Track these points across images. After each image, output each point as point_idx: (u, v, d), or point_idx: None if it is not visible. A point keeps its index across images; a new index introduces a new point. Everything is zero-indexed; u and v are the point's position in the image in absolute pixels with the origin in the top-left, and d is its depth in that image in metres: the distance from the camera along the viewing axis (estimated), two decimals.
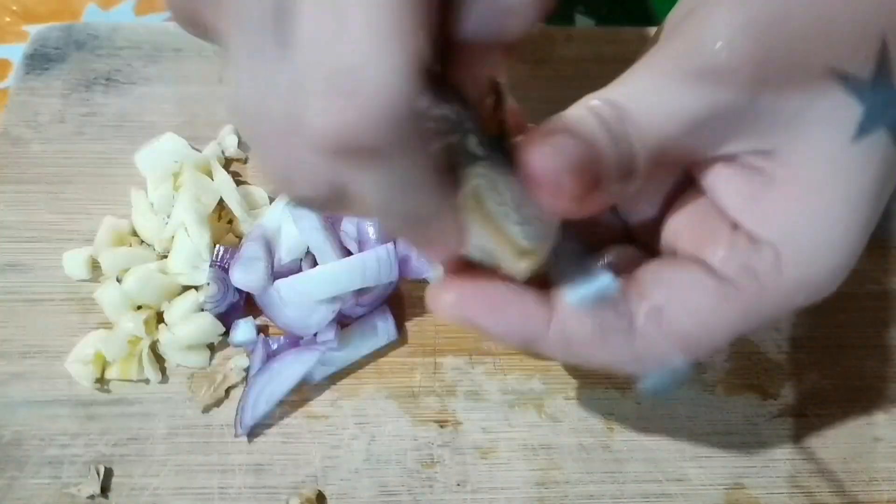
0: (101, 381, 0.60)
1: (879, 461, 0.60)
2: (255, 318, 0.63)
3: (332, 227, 0.63)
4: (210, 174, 0.67)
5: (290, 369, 0.59)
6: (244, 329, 0.62)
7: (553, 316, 0.43)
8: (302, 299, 0.60)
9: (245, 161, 0.71)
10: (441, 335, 0.64)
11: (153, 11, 0.85)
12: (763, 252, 0.42)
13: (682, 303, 0.43)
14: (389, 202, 0.36)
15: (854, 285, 0.61)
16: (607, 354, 0.43)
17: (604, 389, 0.62)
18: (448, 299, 0.43)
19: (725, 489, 0.59)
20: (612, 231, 0.50)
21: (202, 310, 0.62)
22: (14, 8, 0.84)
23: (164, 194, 0.65)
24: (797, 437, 0.61)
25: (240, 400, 0.59)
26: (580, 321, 0.43)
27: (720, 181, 0.44)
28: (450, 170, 0.37)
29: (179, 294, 0.63)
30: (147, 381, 0.61)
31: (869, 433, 0.61)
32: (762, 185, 0.42)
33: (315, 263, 0.63)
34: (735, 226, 0.43)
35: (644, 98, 0.40)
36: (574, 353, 0.44)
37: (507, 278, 0.42)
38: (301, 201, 0.37)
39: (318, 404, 0.61)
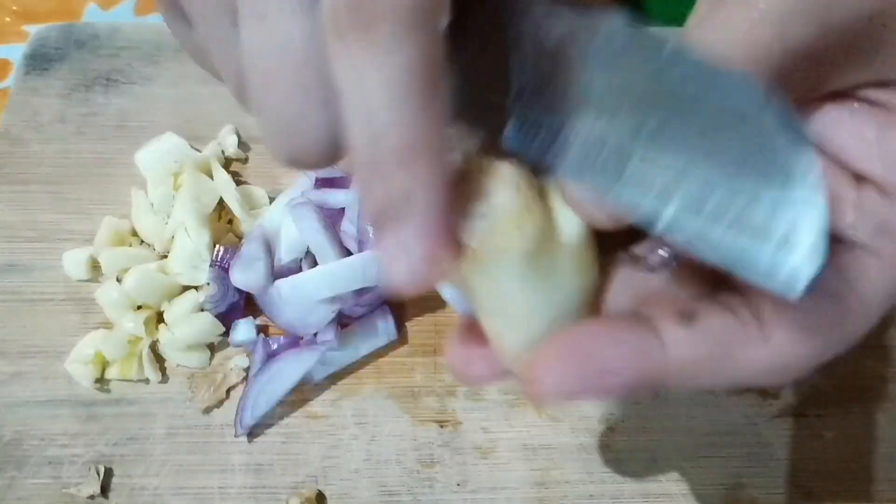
0: (101, 381, 0.61)
1: (879, 461, 0.60)
2: (255, 317, 0.63)
3: (333, 226, 0.63)
4: (210, 174, 0.67)
5: (290, 369, 0.59)
6: (244, 329, 0.62)
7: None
8: (302, 299, 0.60)
9: (245, 161, 0.71)
10: (441, 335, 0.64)
11: (153, 11, 0.85)
12: None
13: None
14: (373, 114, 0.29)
15: None
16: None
17: None
18: (552, 377, 0.33)
19: (725, 489, 0.59)
20: None
21: (202, 310, 0.62)
22: (14, 8, 0.84)
23: (164, 194, 0.65)
24: (797, 437, 0.61)
25: (240, 400, 0.59)
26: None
27: (834, 126, 0.36)
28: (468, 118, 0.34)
29: (179, 294, 0.63)
30: (147, 381, 0.61)
31: (869, 433, 0.61)
32: (889, 122, 0.35)
33: (315, 263, 0.63)
34: (860, 179, 0.36)
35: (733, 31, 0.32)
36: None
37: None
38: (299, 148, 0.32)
39: (318, 404, 0.61)
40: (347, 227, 0.64)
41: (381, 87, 0.28)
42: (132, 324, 0.60)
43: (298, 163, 0.33)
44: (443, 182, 0.30)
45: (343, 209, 0.64)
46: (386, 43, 0.28)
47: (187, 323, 0.61)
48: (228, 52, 0.34)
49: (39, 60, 0.75)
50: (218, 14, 0.34)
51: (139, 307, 0.62)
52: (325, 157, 0.32)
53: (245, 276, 0.61)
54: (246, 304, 0.64)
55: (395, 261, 0.30)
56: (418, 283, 0.31)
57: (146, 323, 0.61)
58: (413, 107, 0.29)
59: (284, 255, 0.63)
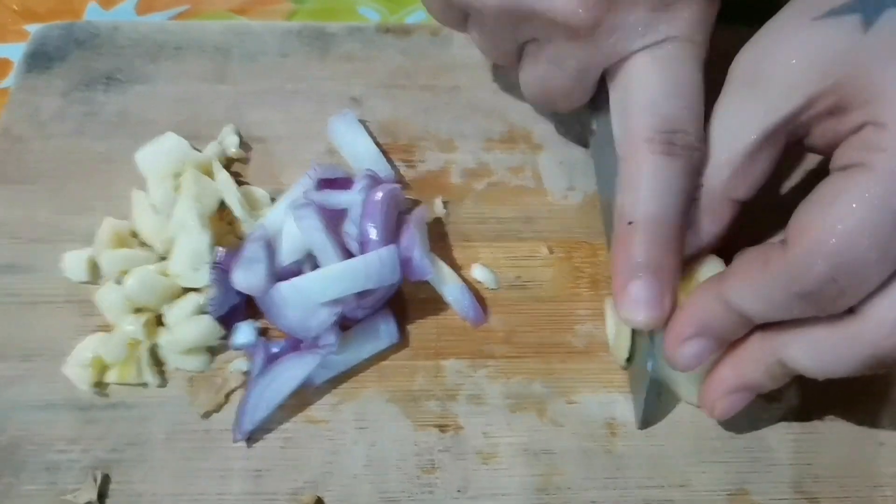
0: (100, 384, 0.60)
1: (884, 466, 0.60)
2: (255, 320, 0.63)
3: (334, 228, 0.63)
4: (211, 174, 0.67)
5: (291, 373, 0.59)
6: (245, 332, 0.62)
7: None
8: (303, 301, 0.59)
9: (246, 161, 0.71)
10: (443, 338, 0.64)
11: (154, 10, 0.85)
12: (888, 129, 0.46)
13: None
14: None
15: None
16: None
17: (606, 393, 0.62)
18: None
19: (728, 494, 0.58)
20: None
21: (203, 312, 0.61)
22: (14, 7, 0.83)
23: (164, 195, 0.65)
24: (801, 441, 0.60)
25: (239, 404, 0.59)
26: None
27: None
28: None
29: (180, 296, 0.62)
30: (146, 385, 0.60)
31: (873, 437, 0.61)
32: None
33: (316, 265, 0.62)
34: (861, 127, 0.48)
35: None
36: None
37: None
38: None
39: (318, 408, 0.60)
40: (350, 228, 0.63)
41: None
42: (132, 326, 0.60)
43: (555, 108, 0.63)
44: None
45: (345, 210, 0.64)
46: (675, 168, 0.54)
47: (187, 326, 0.61)
48: (505, 53, 0.62)
49: (40, 59, 0.75)
50: (509, 40, 0.60)
51: (139, 310, 0.62)
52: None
53: (246, 278, 0.60)
54: (247, 307, 0.63)
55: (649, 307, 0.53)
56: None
57: (146, 325, 0.60)
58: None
59: (285, 257, 0.62)
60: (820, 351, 0.49)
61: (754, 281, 0.49)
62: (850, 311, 0.48)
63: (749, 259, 0.50)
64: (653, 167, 0.53)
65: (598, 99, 0.61)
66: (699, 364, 0.53)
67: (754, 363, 0.53)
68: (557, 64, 0.58)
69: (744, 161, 0.54)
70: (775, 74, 0.52)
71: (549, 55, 0.58)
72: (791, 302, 0.48)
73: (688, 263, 0.56)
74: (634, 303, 0.53)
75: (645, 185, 0.53)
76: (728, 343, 0.54)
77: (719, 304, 0.51)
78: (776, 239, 0.53)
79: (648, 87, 0.55)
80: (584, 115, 0.67)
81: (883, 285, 0.46)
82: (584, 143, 0.73)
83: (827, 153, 0.52)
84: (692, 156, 0.54)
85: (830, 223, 0.46)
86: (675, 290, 0.54)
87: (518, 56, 0.61)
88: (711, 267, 0.56)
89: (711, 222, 0.56)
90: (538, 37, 0.58)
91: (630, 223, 0.54)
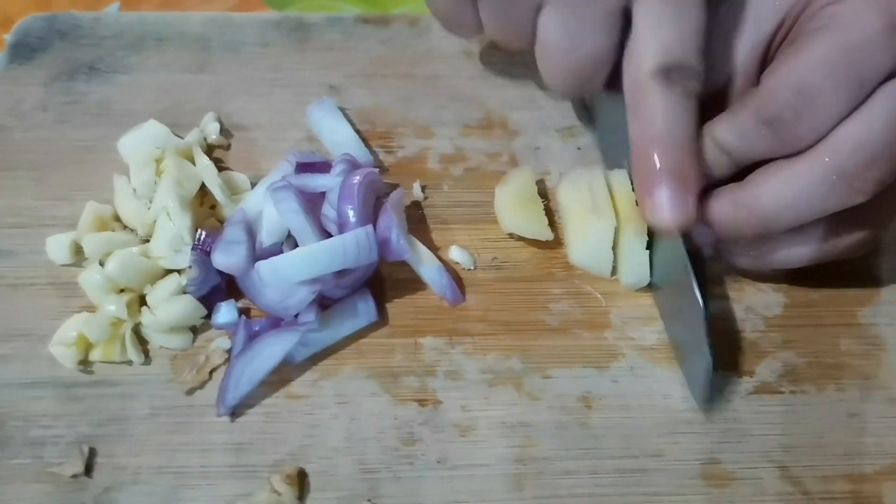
0: (84, 362, 0.61)
1: (853, 436, 0.61)
2: (236, 300, 0.64)
3: (313, 210, 0.64)
4: (192, 160, 0.68)
5: (271, 350, 0.60)
6: (226, 311, 0.63)
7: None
8: (282, 281, 0.60)
9: (227, 147, 0.72)
10: (421, 317, 0.65)
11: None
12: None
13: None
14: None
15: (829, 265, 0.62)
16: None
17: (581, 368, 0.63)
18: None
19: (701, 464, 0.59)
20: None
21: (184, 293, 0.62)
22: None
23: (146, 180, 0.66)
24: (772, 413, 0.62)
25: (221, 381, 0.60)
26: None
27: None
28: None
29: (162, 277, 0.63)
30: (130, 363, 0.61)
31: (843, 409, 0.62)
32: None
33: (296, 247, 0.63)
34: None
35: None
36: None
37: None
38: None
39: (299, 384, 0.62)
40: (328, 210, 0.64)
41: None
42: (114, 306, 0.61)
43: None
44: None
45: (323, 193, 0.65)
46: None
47: (170, 305, 0.62)
48: (518, 32, 0.64)
49: (22, 50, 0.76)
50: (521, 10, 0.62)
51: (122, 290, 0.63)
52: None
53: (226, 258, 0.61)
54: (228, 287, 0.64)
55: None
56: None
57: (129, 306, 0.61)
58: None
59: (266, 239, 0.63)
60: (791, 186, 0.56)
61: (732, 116, 0.57)
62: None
63: (733, 104, 0.59)
64: (657, 98, 0.57)
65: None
66: (676, 211, 0.57)
67: (724, 213, 0.59)
68: (576, 21, 0.60)
69: (745, 74, 0.61)
70: None
71: (565, 17, 0.60)
72: (758, 130, 0.56)
73: None
74: (660, 207, 0.57)
75: (652, 112, 0.57)
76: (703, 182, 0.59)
77: (706, 139, 0.58)
78: None
79: (655, 26, 0.58)
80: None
81: (842, 120, 0.54)
82: (589, 122, 0.76)
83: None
84: (693, 85, 0.58)
85: (793, 62, 0.55)
86: (697, 193, 0.57)
87: (533, 31, 0.63)
88: None
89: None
90: None
91: (643, 145, 0.58)
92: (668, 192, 0.56)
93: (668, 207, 0.56)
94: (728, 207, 0.58)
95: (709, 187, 0.59)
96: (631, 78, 0.59)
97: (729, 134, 0.57)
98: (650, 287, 0.66)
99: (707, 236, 0.61)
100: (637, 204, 0.61)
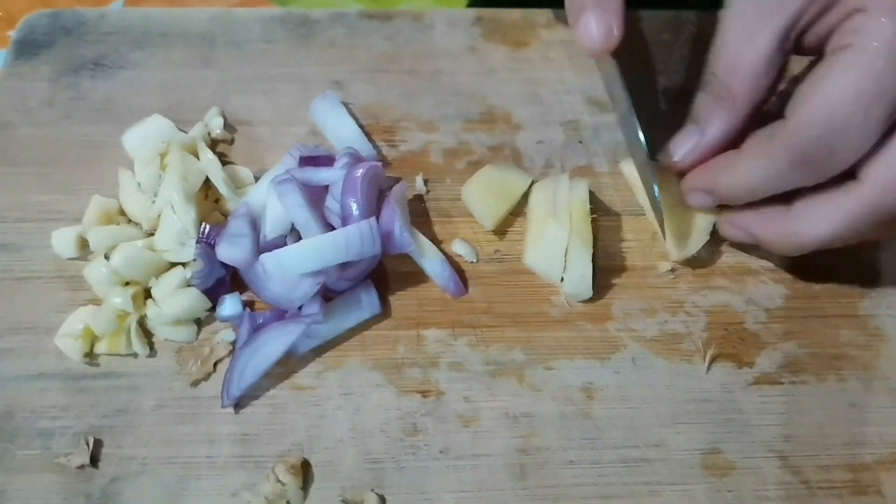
0: (91, 355, 0.62)
1: (855, 426, 0.62)
2: (241, 293, 0.64)
3: (316, 203, 0.64)
4: (196, 154, 0.68)
5: (276, 341, 0.60)
6: (230, 304, 0.63)
7: None
8: (286, 273, 0.61)
9: (231, 142, 0.73)
10: (424, 309, 0.65)
11: None
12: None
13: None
14: None
15: (830, 257, 0.63)
16: None
17: (583, 359, 0.63)
18: None
19: (702, 454, 0.60)
20: None
21: (189, 285, 0.63)
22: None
23: (151, 174, 0.66)
24: (772, 403, 0.62)
25: (226, 372, 0.60)
26: None
27: None
28: None
29: (167, 270, 0.64)
30: (135, 356, 0.62)
31: (844, 399, 0.63)
32: None
33: (300, 240, 0.64)
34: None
35: None
36: None
37: None
38: None
39: (304, 376, 0.62)
40: (331, 203, 0.65)
41: None
42: (120, 299, 0.61)
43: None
44: None
45: (327, 187, 0.66)
46: None
47: (174, 298, 0.62)
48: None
49: (28, 46, 0.76)
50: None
51: (127, 283, 0.63)
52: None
53: (231, 251, 0.62)
54: (232, 280, 0.65)
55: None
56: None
57: (134, 298, 0.62)
58: None
59: (269, 232, 0.64)
60: (835, 222, 0.57)
61: (762, 153, 0.58)
62: (852, 178, 0.56)
63: (758, 136, 0.59)
64: None
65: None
66: (600, 35, 0.62)
67: (768, 237, 0.61)
68: None
69: (763, 64, 0.59)
70: None
71: None
72: (792, 167, 0.56)
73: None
74: (586, 33, 0.62)
75: None
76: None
77: (728, 174, 0.60)
78: None
79: None
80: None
81: (876, 150, 0.54)
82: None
83: (820, 51, 0.58)
84: None
85: (820, 93, 0.54)
86: (621, 14, 0.62)
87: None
88: None
89: (728, 121, 0.61)
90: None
91: None
92: (594, 18, 0.61)
93: (594, 32, 0.62)
94: (772, 234, 0.60)
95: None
96: None
97: (758, 171, 0.58)
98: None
99: (708, 201, 0.63)
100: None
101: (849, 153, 0.54)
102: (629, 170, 0.70)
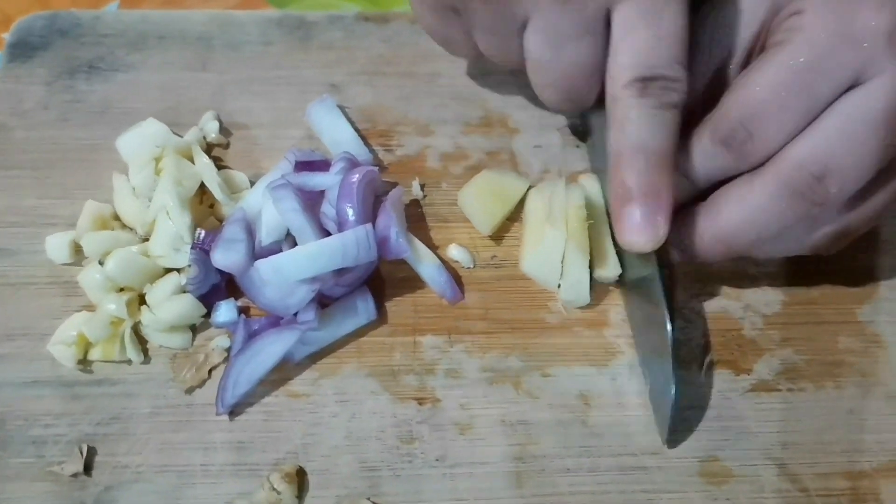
0: (84, 362, 0.61)
1: (853, 433, 0.61)
2: (236, 299, 0.64)
3: (312, 209, 0.64)
4: (191, 159, 0.68)
5: (271, 348, 0.60)
6: (225, 310, 0.63)
7: None
8: (281, 279, 0.60)
9: (226, 146, 0.72)
10: (420, 315, 0.65)
11: None
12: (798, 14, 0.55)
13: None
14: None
15: (827, 263, 0.62)
16: None
17: (581, 366, 0.63)
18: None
19: (700, 461, 0.60)
20: None
21: (184, 291, 0.62)
22: None
23: (145, 178, 0.66)
24: (770, 410, 0.62)
25: (221, 379, 0.60)
26: None
27: None
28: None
29: (161, 276, 0.64)
30: (129, 362, 0.62)
31: (842, 406, 0.63)
32: None
33: (296, 246, 0.63)
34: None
35: None
36: None
37: None
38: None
39: (299, 383, 0.62)
40: (327, 209, 0.64)
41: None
42: (114, 305, 0.61)
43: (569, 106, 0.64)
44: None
45: (323, 192, 0.65)
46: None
47: (169, 305, 0.62)
48: (508, 50, 0.62)
49: (23, 49, 0.76)
50: (507, 28, 0.60)
51: (121, 289, 0.63)
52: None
53: (226, 257, 0.62)
54: (227, 286, 0.64)
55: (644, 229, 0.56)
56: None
57: (128, 305, 0.61)
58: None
59: (265, 238, 0.63)
60: (747, 205, 0.57)
61: (693, 140, 0.58)
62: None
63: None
64: (634, 109, 0.56)
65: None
66: (645, 233, 0.56)
67: (688, 239, 0.60)
68: (558, 33, 0.59)
69: (728, 84, 0.60)
70: None
71: (547, 30, 0.59)
72: (715, 150, 0.57)
73: None
74: (629, 227, 0.56)
75: (628, 123, 0.56)
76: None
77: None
78: None
79: (631, 36, 0.57)
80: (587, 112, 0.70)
81: (792, 138, 0.55)
82: (582, 139, 0.75)
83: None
84: (671, 97, 0.56)
85: (743, 82, 0.56)
86: (670, 211, 0.56)
87: (522, 47, 0.62)
88: None
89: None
90: (528, 11, 0.59)
91: (617, 160, 0.57)
92: (639, 212, 0.56)
93: (638, 228, 0.56)
94: (692, 232, 0.59)
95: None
96: (608, 89, 0.59)
97: (689, 157, 0.58)
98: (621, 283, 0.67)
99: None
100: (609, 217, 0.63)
101: (766, 139, 0.55)
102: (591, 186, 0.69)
